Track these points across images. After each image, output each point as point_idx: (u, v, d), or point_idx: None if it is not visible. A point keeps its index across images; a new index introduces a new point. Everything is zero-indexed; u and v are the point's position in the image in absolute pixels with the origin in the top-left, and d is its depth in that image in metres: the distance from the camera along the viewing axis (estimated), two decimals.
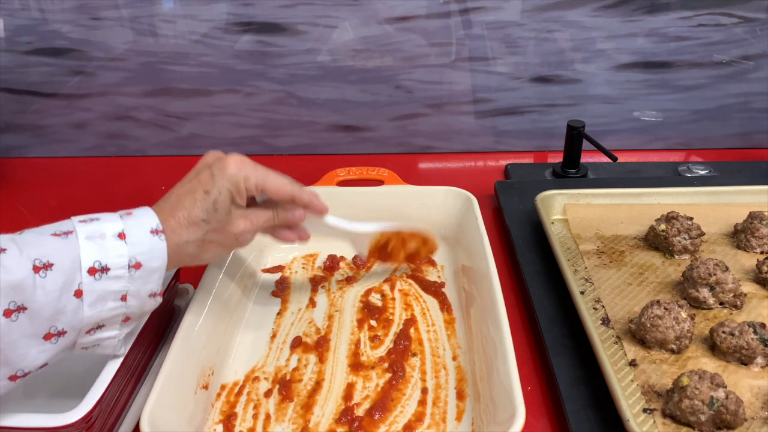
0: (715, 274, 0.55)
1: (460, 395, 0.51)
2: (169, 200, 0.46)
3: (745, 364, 0.49)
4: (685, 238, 0.63)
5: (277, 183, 0.49)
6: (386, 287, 0.65)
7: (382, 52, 0.89)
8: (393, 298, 0.63)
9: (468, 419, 0.48)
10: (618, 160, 0.80)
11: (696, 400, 0.43)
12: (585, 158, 0.84)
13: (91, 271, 0.39)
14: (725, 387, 0.45)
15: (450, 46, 0.89)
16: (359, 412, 0.49)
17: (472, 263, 0.61)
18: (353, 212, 0.71)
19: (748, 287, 0.59)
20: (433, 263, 0.68)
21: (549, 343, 0.54)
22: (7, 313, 0.36)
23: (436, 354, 0.55)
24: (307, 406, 0.50)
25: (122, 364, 0.45)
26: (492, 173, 0.91)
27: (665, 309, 0.51)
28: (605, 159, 0.80)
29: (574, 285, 0.56)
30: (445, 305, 0.61)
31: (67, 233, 0.40)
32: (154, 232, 0.42)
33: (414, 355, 0.55)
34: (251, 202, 0.50)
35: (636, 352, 0.51)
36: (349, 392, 0.51)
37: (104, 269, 0.39)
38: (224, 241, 0.47)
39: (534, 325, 0.59)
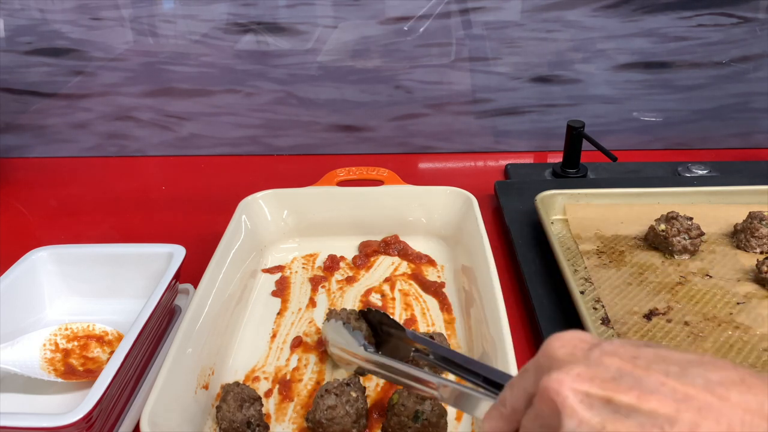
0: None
1: None
2: None
3: None
4: (685, 238, 0.63)
5: None
6: (386, 287, 0.65)
7: (382, 52, 0.89)
8: (393, 298, 0.63)
9: (468, 419, 0.48)
10: (618, 160, 0.80)
11: (402, 417, 0.44)
12: (585, 158, 0.85)
13: None
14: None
15: (450, 46, 0.89)
16: None
17: (472, 263, 0.61)
18: (353, 212, 0.72)
19: (748, 287, 0.59)
20: (433, 263, 0.68)
21: None
22: None
23: None
24: (308, 406, 0.50)
25: (122, 364, 0.45)
26: (492, 173, 0.91)
27: (335, 395, 0.45)
28: (605, 159, 0.80)
29: (574, 285, 0.56)
30: (445, 305, 0.61)
31: None
32: None
33: None
34: None
35: None
36: None
37: None
38: None
39: (534, 325, 0.59)
